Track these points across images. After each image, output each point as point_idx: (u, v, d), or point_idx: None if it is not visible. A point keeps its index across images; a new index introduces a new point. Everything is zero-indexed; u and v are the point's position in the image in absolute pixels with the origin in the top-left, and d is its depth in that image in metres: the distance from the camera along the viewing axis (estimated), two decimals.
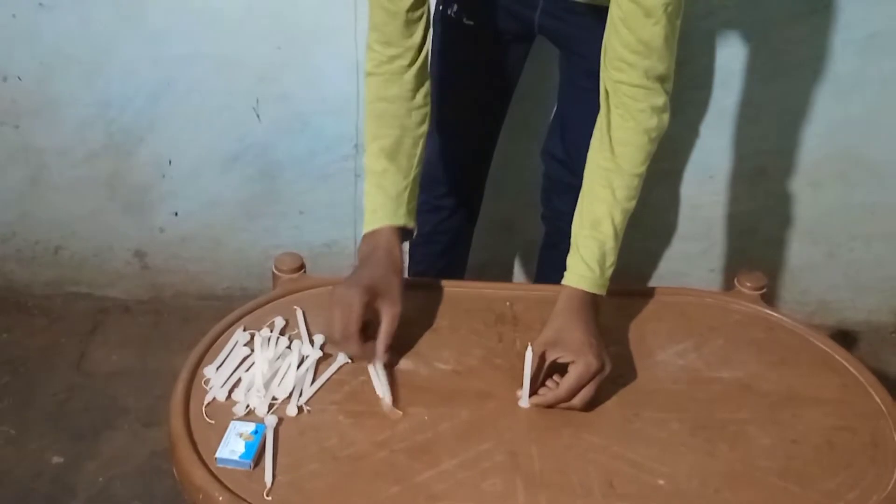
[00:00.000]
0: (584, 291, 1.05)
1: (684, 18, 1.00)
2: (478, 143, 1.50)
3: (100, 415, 1.64)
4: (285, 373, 1.01)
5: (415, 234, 1.15)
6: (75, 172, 1.73)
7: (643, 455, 0.95)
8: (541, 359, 1.01)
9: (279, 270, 1.17)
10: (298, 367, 1.01)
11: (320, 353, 1.04)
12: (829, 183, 1.80)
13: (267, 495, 0.86)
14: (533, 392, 1.00)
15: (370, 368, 1.05)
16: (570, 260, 1.08)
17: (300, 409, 0.97)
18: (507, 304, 1.17)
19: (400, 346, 1.07)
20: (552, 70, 1.44)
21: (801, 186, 1.80)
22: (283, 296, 1.14)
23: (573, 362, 0.99)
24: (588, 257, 1.05)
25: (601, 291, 1.06)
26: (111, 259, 1.86)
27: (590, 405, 0.99)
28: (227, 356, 1.02)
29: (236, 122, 1.69)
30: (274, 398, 0.98)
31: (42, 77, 1.63)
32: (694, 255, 1.88)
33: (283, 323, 1.09)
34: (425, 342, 1.09)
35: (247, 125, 1.69)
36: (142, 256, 1.86)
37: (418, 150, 1.14)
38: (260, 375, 0.99)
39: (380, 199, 1.11)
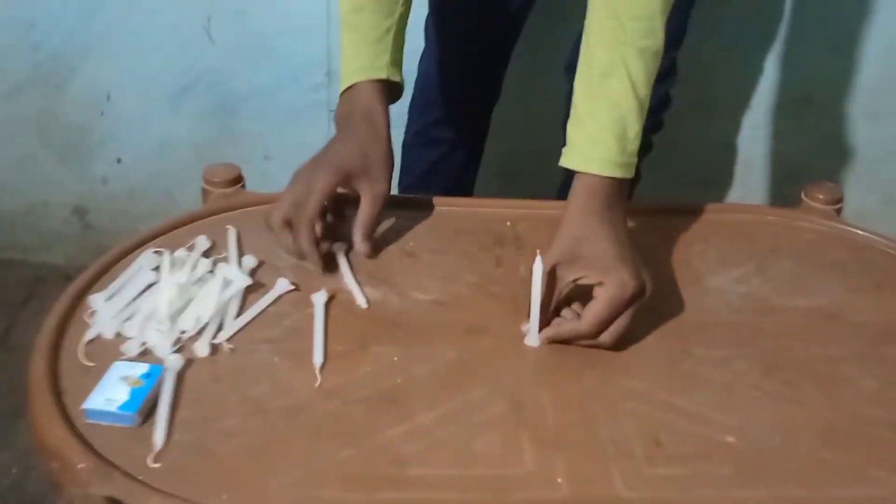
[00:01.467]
0: (602, 178, 0.74)
1: None
2: (484, 60, 1.21)
3: (23, 398, 1.37)
4: (201, 302, 0.74)
5: (402, 93, 0.89)
6: None
7: (700, 403, 0.67)
8: (552, 278, 0.73)
9: (210, 184, 0.91)
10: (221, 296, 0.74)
11: (250, 280, 0.77)
12: (887, 115, 1.53)
13: (154, 461, 0.59)
14: (544, 324, 0.73)
15: (341, 264, 0.81)
16: (574, 132, 0.77)
17: (216, 347, 0.70)
18: (508, 223, 0.90)
19: (364, 275, 0.81)
20: None
21: (855, 119, 1.53)
22: (212, 214, 0.88)
23: (601, 283, 0.71)
24: (599, 127, 0.75)
25: (626, 174, 0.76)
26: (46, 217, 1.58)
27: (622, 342, 0.72)
28: (125, 284, 0.76)
29: (185, 46, 1.42)
30: (182, 333, 0.71)
31: None
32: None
33: (208, 244, 0.82)
34: (399, 269, 0.82)
35: (197, 49, 1.42)
36: (82, 214, 1.59)
37: None
38: (165, 304, 0.72)
39: (354, 46, 0.85)
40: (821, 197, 0.93)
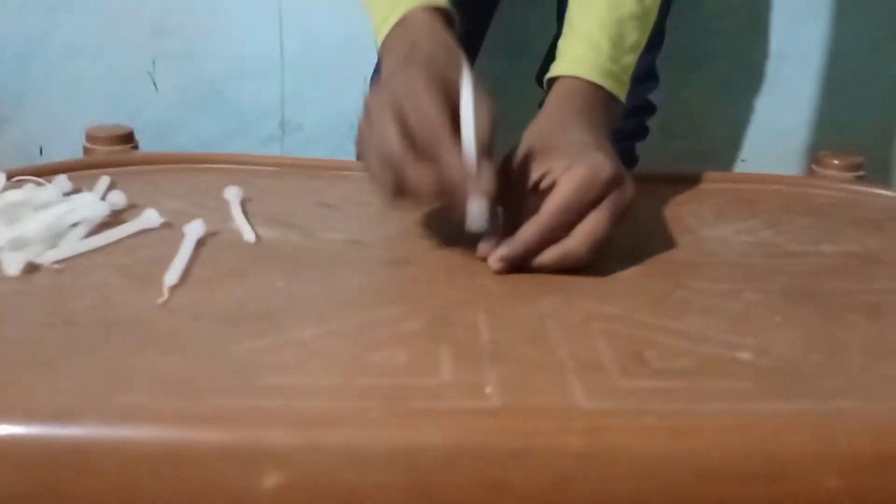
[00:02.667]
0: (587, 83, 0.60)
1: None
2: None
3: None
4: (31, 223, 0.56)
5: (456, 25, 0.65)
6: None
7: (699, 325, 0.47)
8: (515, 175, 0.56)
9: (93, 142, 0.75)
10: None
11: (106, 211, 0.59)
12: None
13: None
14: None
15: (231, 204, 0.62)
16: (562, 42, 0.64)
17: (38, 267, 0.52)
18: None
19: (261, 217, 0.62)
20: None
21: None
22: (87, 168, 0.72)
23: (569, 168, 0.54)
24: (592, 27, 0.62)
25: (615, 88, 0.61)
26: None
27: (597, 253, 0.53)
28: None
29: (127, 93, 1.30)
30: None
31: None
32: None
33: (71, 187, 0.66)
34: (311, 215, 0.64)
35: (141, 96, 1.31)
36: None
37: None
38: None
39: None
40: (836, 163, 0.77)
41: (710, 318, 0.48)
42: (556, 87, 0.62)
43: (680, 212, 0.68)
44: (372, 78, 1.07)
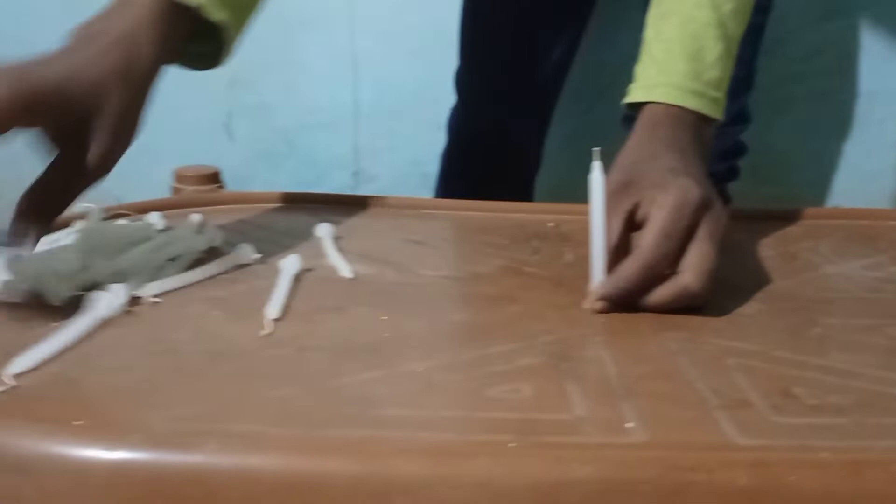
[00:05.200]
0: (670, 107, 0.57)
1: None
2: (522, 122, 1.03)
3: None
4: (131, 256, 0.55)
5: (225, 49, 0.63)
6: (3, 216, 1.37)
7: (847, 362, 0.43)
8: (617, 218, 0.52)
9: (181, 182, 0.75)
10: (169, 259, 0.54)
11: (204, 246, 0.57)
12: None
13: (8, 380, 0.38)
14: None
15: (324, 241, 0.59)
16: (638, 66, 0.61)
17: (136, 300, 0.50)
18: (551, 224, 0.71)
19: (353, 254, 0.59)
20: None
21: None
22: (178, 207, 0.71)
23: (656, 198, 0.51)
24: (666, 46, 0.58)
25: (702, 107, 0.57)
26: None
27: (711, 284, 0.49)
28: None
29: (203, 144, 1.32)
30: (95, 286, 0.51)
31: None
32: None
33: (163, 224, 0.64)
34: (402, 252, 0.61)
35: (217, 147, 1.32)
36: None
37: None
38: (75, 249, 0.53)
39: None
40: None
41: (855, 355, 0.44)
42: (641, 116, 0.59)
43: (794, 249, 0.64)
44: (449, 121, 1.06)
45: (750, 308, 0.51)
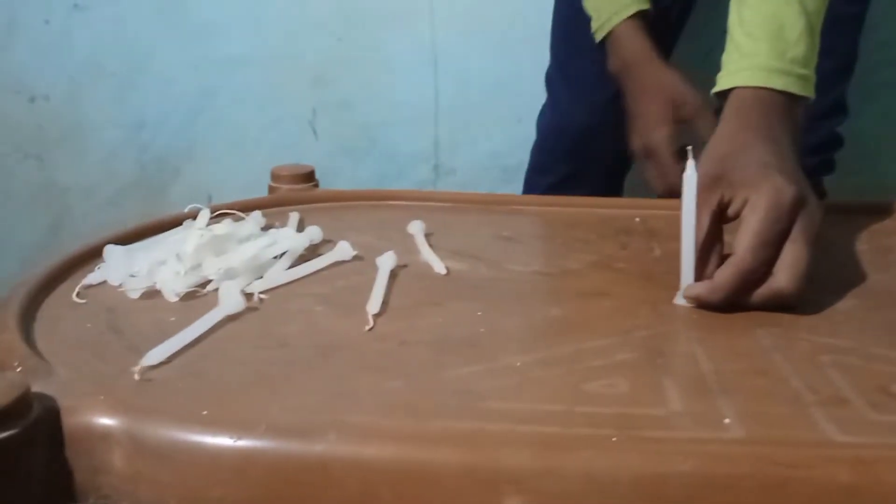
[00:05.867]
0: (757, 90, 0.56)
1: None
2: (617, 112, 1.00)
3: None
4: (239, 254, 0.58)
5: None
6: (101, 216, 1.44)
7: None
8: (709, 213, 0.52)
9: (277, 180, 0.78)
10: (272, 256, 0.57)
11: (306, 244, 0.61)
12: None
13: (137, 375, 0.41)
14: (698, 277, 0.51)
15: (417, 239, 0.63)
16: (725, 55, 0.61)
17: (248, 297, 0.54)
18: (638, 219, 0.71)
19: (445, 251, 0.61)
20: None
21: None
22: (276, 205, 0.74)
23: (751, 200, 0.51)
24: (748, 30, 0.58)
25: (789, 85, 0.57)
26: None
27: (805, 286, 0.49)
28: (154, 241, 0.61)
29: (289, 141, 1.36)
30: (208, 281, 0.55)
31: (71, 95, 1.39)
32: None
33: (264, 221, 0.68)
34: (494, 249, 0.63)
35: (302, 144, 1.36)
36: None
37: None
38: (191, 247, 0.56)
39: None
40: None
41: None
42: (728, 103, 0.59)
43: (889, 242, 0.63)
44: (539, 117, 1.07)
45: (844, 304, 0.51)
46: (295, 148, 1.38)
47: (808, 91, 0.58)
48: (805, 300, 0.51)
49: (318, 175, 1.43)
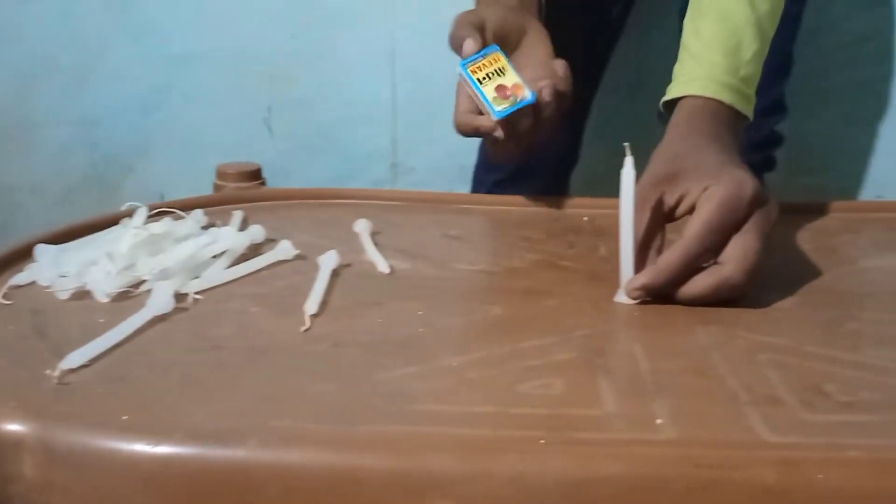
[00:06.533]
0: (707, 100, 0.57)
1: None
2: None
3: None
4: (175, 253, 0.56)
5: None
6: (51, 215, 1.41)
7: (883, 358, 0.44)
8: (647, 215, 0.52)
9: (223, 179, 0.77)
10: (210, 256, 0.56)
11: (247, 243, 0.59)
12: None
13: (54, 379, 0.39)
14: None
15: (362, 237, 0.61)
16: (677, 65, 0.61)
17: (182, 298, 0.52)
18: (586, 218, 0.71)
19: (391, 249, 0.60)
20: None
21: None
22: (220, 204, 0.72)
23: (706, 188, 0.51)
24: (705, 42, 0.59)
25: (737, 102, 0.58)
26: None
27: (755, 280, 0.49)
28: (88, 240, 0.60)
29: (243, 139, 1.34)
30: (142, 282, 0.53)
31: (19, 91, 1.35)
32: None
33: (205, 221, 0.66)
34: (440, 247, 0.62)
35: (257, 142, 1.33)
36: None
37: None
38: (124, 247, 0.55)
39: None
40: None
41: (890, 350, 0.44)
42: (678, 110, 0.59)
43: (832, 242, 0.64)
44: None
45: (785, 302, 0.51)
46: (250, 146, 1.36)
47: (750, 111, 0.59)
48: (746, 298, 0.51)
49: (273, 174, 1.41)
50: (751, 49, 0.58)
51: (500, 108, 0.62)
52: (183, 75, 1.34)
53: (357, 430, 0.34)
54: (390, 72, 1.30)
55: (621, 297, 0.51)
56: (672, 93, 0.60)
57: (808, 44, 1.06)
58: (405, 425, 0.35)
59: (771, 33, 0.61)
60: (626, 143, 0.51)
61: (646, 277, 0.50)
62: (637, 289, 0.50)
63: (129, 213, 0.61)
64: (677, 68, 0.61)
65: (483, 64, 0.66)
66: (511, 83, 0.63)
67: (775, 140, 0.95)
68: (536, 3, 0.71)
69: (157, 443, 0.33)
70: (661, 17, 1.13)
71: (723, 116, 0.57)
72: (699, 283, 0.50)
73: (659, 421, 0.36)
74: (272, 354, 0.43)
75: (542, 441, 0.33)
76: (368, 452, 0.32)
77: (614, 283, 0.53)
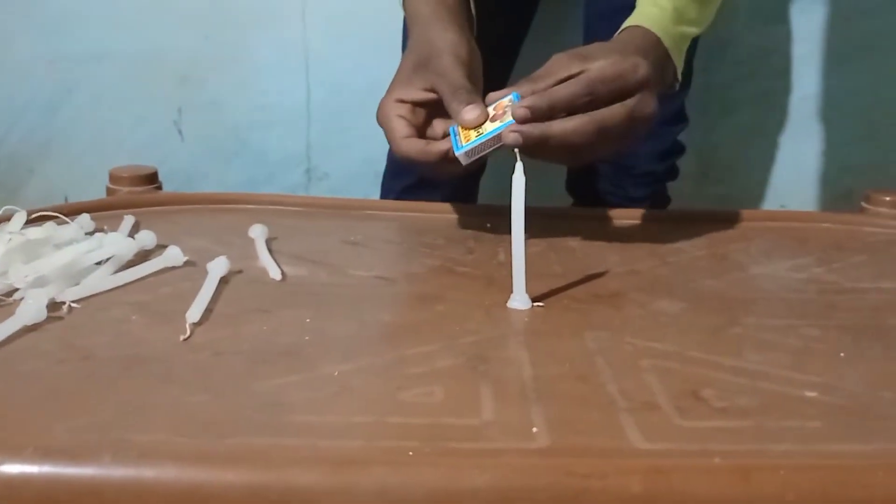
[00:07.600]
0: (647, 31, 0.61)
1: None
2: None
3: None
4: (53, 260, 0.54)
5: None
6: None
7: (759, 363, 0.44)
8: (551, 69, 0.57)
9: (116, 183, 0.74)
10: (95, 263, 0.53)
11: (134, 249, 0.57)
12: None
13: None
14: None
15: (257, 243, 0.60)
16: (636, 9, 0.64)
17: (57, 306, 0.50)
18: (489, 225, 0.71)
19: (286, 255, 0.60)
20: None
21: None
22: (109, 209, 0.70)
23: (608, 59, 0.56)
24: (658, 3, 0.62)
25: (671, 46, 0.62)
26: None
27: (644, 126, 0.56)
28: None
29: (153, 142, 1.30)
30: (14, 290, 0.51)
31: None
32: None
33: (91, 226, 0.64)
34: (337, 253, 0.61)
35: (168, 145, 1.30)
36: None
37: None
38: None
39: None
40: (887, 200, 0.73)
41: (769, 355, 0.45)
42: (620, 33, 0.63)
43: (725, 250, 0.65)
44: None
45: (673, 307, 0.52)
46: (159, 149, 1.32)
47: (678, 66, 0.63)
48: (635, 303, 0.52)
49: (184, 178, 1.38)
50: (691, 14, 0.63)
51: (463, 144, 0.57)
52: (88, 74, 1.30)
53: (222, 443, 0.33)
54: (304, 75, 1.29)
55: (514, 303, 0.51)
56: (627, 23, 0.63)
57: (713, 57, 1.09)
58: (274, 437, 0.34)
59: (706, 18, 0.65)
60: (517, 149, 0.51)
61: (530, 100, 0.54)
62: (522, 107, 0.54)
63: (6, 218, 0.59)
64: (635, 11, 0.64)
65: None
66: None
67: (678, 149, 0.97)
68: (468, 18, 0.70)
69: (4, 461, 0.31)
70: (570, 13, 1.15)
71: (659, 51, 0.61)
72: (578, 118, 0.54)
73: (535, 429, 0.36)
74: (147, 364, 0.42)
75: (410, 453, 0.32)
76: (229, 467, 0.31)
77: (509, 289, 0.53)
